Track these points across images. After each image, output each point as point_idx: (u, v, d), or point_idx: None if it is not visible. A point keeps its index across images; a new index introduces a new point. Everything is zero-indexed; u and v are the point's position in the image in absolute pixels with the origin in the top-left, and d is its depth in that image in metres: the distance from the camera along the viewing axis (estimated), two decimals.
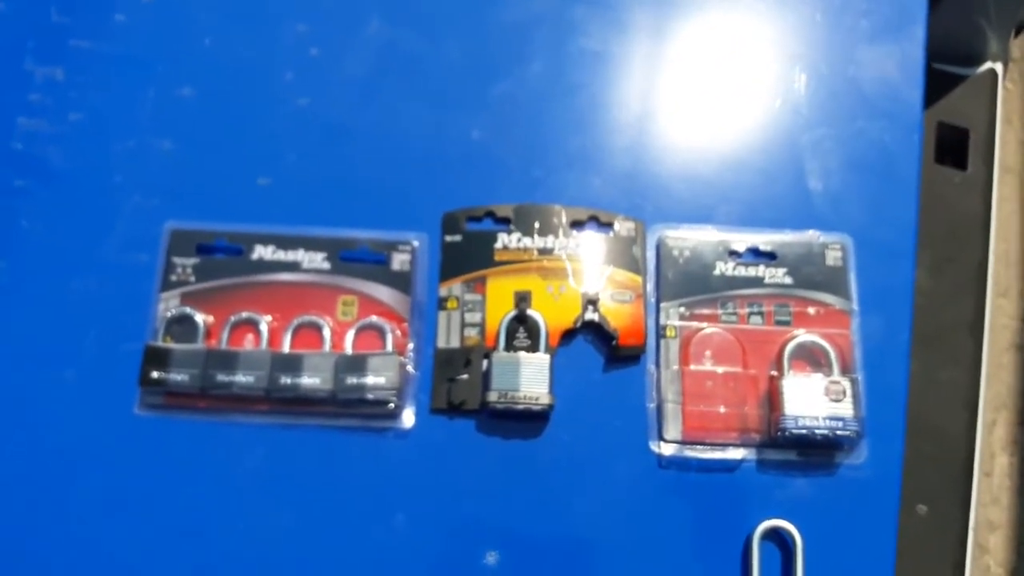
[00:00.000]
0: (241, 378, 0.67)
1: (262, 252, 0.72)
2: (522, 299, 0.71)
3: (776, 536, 0.67)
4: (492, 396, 0.67)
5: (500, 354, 0.69)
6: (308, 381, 0.67)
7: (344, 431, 0.69)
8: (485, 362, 0.69)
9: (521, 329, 0.71)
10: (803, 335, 0.70)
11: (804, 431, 0.66)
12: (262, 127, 0.77)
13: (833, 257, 0.73)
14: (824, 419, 0.66)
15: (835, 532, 0.67)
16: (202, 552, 0.66)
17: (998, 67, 1.05)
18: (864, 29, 0.81)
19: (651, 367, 0.70)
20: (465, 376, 0.70)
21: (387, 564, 0.66)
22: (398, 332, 0.70)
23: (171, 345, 0.69)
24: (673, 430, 0.68)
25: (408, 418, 0.69)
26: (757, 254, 0.73)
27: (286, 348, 0.69)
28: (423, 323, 0.71)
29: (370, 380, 0.67)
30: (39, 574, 0.66)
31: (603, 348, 0.72)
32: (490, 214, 0.74)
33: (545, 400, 0.67)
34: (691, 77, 0.80)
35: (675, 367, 0.70)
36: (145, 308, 0.71)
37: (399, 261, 0.72)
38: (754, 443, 0.68)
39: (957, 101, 1.04)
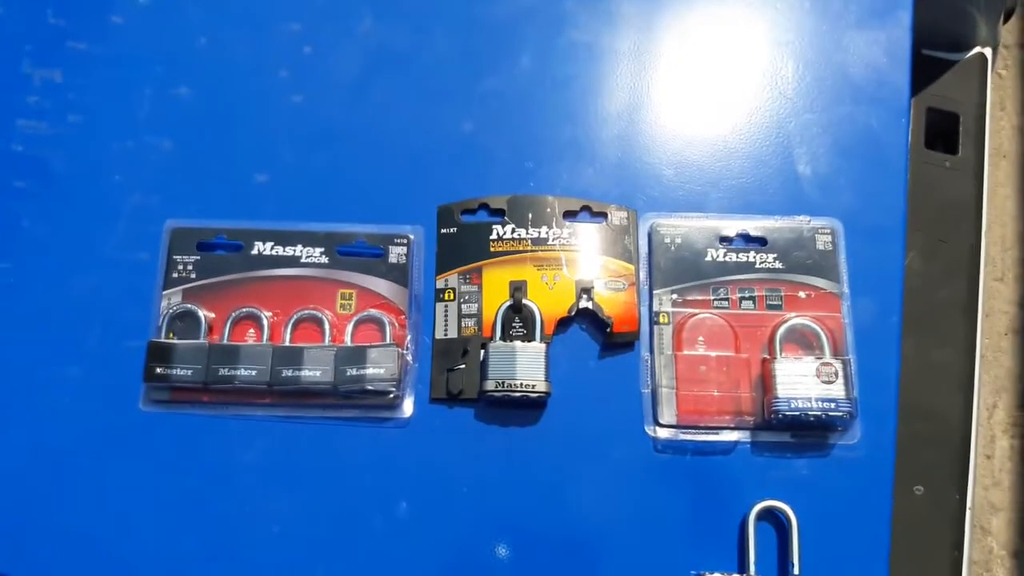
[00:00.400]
0: (243, 372, 0.69)
1: (261, 248, 0.73)
2: (517, 289, 0.72)
3: (771, 516, 0.68)
4: (489, 385, 0.68)
5: (497, 344, 0.70)
6: (309, 373, 0.69)
7: (345, 422, 0.70)
8: (482, 352, 0.70)
9: (517, 319, 0.72)
10: (794, 318, 0.71)
11: (797, 413, 0.67)
12: (258, 125, 0.78)
13: (823, 241, 0.74)
14: (816, 400, 0.67)
15: (830, 511, 0.68)
16: (208, 543, 0.67)
17: (987, 52, 1.06)
18: (851, 15, 0.82)
19: (645, 353, 0.71)
20: (463, 366, 0.71)
21: (389, 552, 0.67)
22: (396, 324, 0.71)
23: (174, 341, 0.70)
24: (668, 414, 0.69)
25: (408, 408, 0.70)
26: (748, 240, 0.74)
27: (287, 342, 0.70)
28: (421, 315, 0.73)
29: (370, 371, 0.68)
30: (46, 568, 0.67)
31: (598, 336, 0.73)
32: (484, 206, 0.75)
33: (541, 388, 0.68)
34: (680, 67, 0.81)
35: (669, 353, 0.71)
36: (147, 305, 0.72)
37: (396, 254, 0.73)
38: (748, 426, 0.69)
39: (947, 86, 1.05)
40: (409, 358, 0.71)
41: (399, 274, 0.73)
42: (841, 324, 0.71)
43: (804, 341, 0.71)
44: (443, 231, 0.75)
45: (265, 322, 0.71)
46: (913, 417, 0.89)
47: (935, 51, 1.05)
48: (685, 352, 0.71)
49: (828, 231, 0.74)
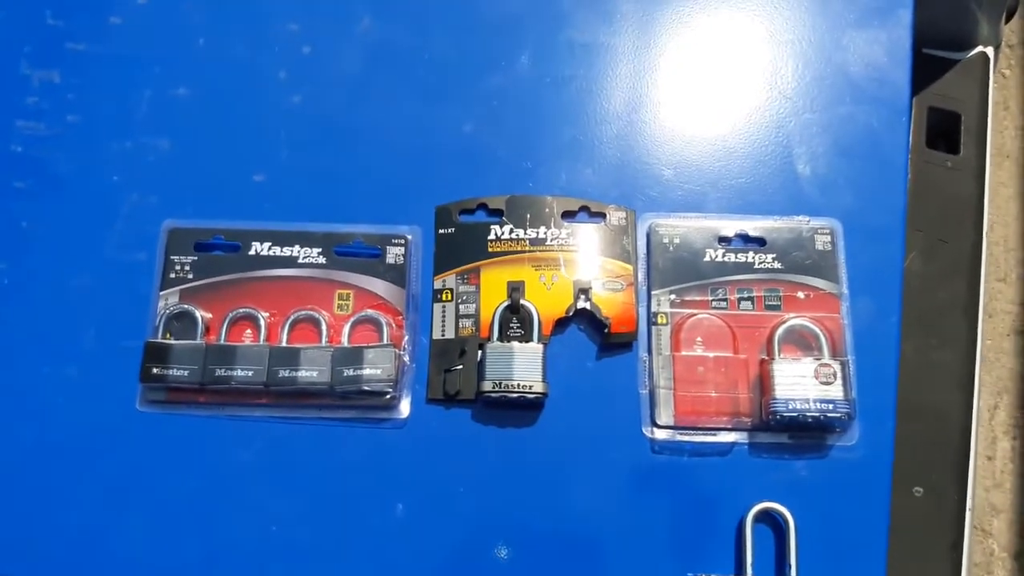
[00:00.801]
0: (240, 372, 0.69)
1: (258, 248, 0.73)
2: (515, 289, 0.72)
3: (769, 518, 0.68)
4: (487, 386, 0.68)
5: (494, 344, 0.70)
6: (306, 374, 0.69)
7: (342, 423, 0.70)
8: (480, 352, 0.70)
9: (514, 319, 0.72)
10: (793, 319, 0.71)
11: (795, 414, 0.67)
12: (256, 125, 0.78)
13: (822, 241, 0.73)
14: (814, 402, 0.67)
15: (828, 513, 0.68)
16: (205, 544, 0.67)
17: (989, 51, 1.05)
18: (851, 14, 0.82)
19: (643, 354, 0.71)
20: (460, 366, 0.71)
21: (386, 552, 0.67)
22: (394, 324, 0.71)
23: (171, 341, 0.70)
24: (665, 415, 0.69)
25: (405, 409, 0.70)
26: (746, 240, 0.74)
27: (284, 342, 0.70)
28: (418, 315, 0.73)
29: (367, 372, 0.68)
30: (44, 569, 0.67)
31: (595, 336, 0.72)
32: (482, 206, 0.75)
33: (539, 388, 0.68)
34: (679, 66, 0.81)
35: (666, 353, 0.71)
36: (144, 305, 0.72)
37: (393, 255, 0.73)
38: (746, 427, 0.69)
39: (948, 86, 1.04)
40: (406, 359, 0.71)
41: (397, 274, 0.73)
42: (840, 325, 0.71)
43: (803, 342, 0.71)
44: (441, 231, 0.75)
45: (262, 322, 0.71)
46: (913, 418, 0.89)
47: (936, 50, 1.04)
48: (683, 353, 0.70)
49: (827, 231, 0.74)
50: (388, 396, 0.69)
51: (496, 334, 0.70)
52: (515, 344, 0.70)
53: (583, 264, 0.73)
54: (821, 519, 0.67)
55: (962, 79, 1.05)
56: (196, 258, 0.73)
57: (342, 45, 0.81)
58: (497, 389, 0.68)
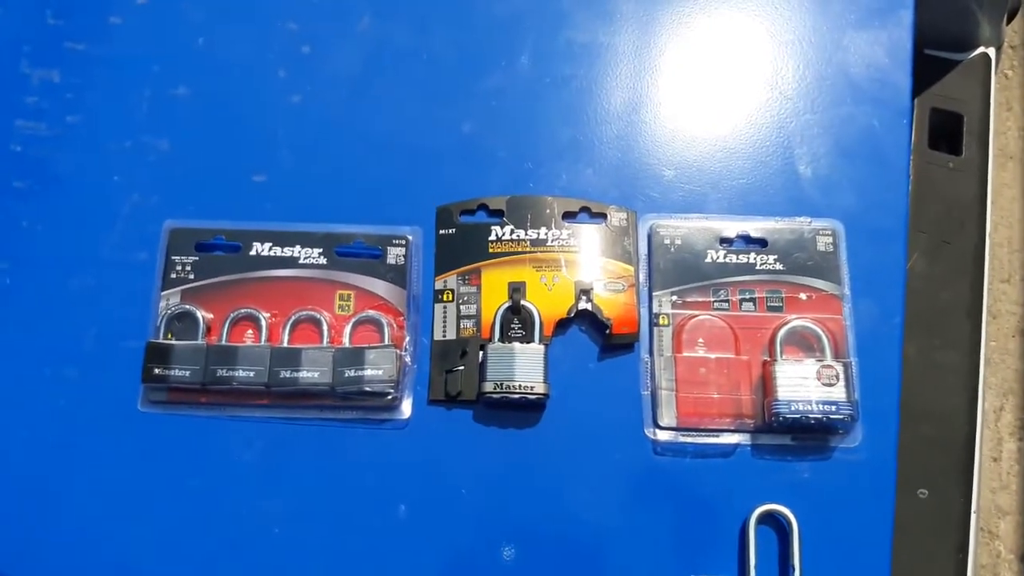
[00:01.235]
0: (241, 373, 0.68)
1: (259, 249, 0.73)
2: (516, 290, 0.72)
3: (772, 520, 0.67)
4: (488, 387, 0.68)
5: (495, 345, 0.70)
6: (307, 375, 0.68)
7: (343, 423, 0.70)
8: (481, 353, 0.70)
9: (516, 320, 0.71)
10: (795, 320, 0.70)
11: (797, 415, 0.66)
12: (256, 125, 0.78)
13: (824, 243, 0.73)
14: (817, 403, 0.67)
15: (831, 515, 0.68)
16: (206, 545, 0.67)
17: (991, 52, 1.05)
18: (852, 14, 0.82)
19: (645, 355, 0.71)
20: (461, 367, 0.71)
21: (388, 553, 0.67)
22: (395, 325, 0.71)
23: (172, 342, 0.70)
24: (667, 417, 0.69)
25: (406, 409, 0.70)
26: (748, 241, 0.74)
27: (285, 343, 0.70)
28: (419, 316, 0.72)
29: (368, 373, 0.68)
30: (44, 569, 0.67)
31: (597, 337, 0.72)
32: (483, 207, 0.75)
33: (540, 390, 0.68)
34: (679, 66, 0.81)
35: (668, 354, 0.70)
36: (146, 306, 0.72)
37: (394, 255, 0.73)
38: (748, 428, 0.69)
39: (950, 87, 1.04)
40: (407, 359, 0.71)
41: (398, 275, 0.73)
42: (842, 326, 0.71)
43: (805, 343, 0.70)
44: (442, 232, 0.75)
45: (263, 323, 0.71)
46: (917, 420, 0.89)
47: (938, 51, 1.04)
48: (685, 354, 0.70)
49: (829, 232, 0.74)
50: (389, 397, 0.69)
51: (497, 335, 0.70)
52: (516, 345, 0.69)
53: (584, 265, 0.73)
54: (825, 521, 0.67)
55: (964, 80, 1.04)
56: (197, 258, 0.73)
57: (342, 45, 0.81)
58: (498, 390, 0.68)
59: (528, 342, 0.70)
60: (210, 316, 0.71)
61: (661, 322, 0.72)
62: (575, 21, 0.82)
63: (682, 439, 0.69)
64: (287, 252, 0.73)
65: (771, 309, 0.72)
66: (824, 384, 0.67)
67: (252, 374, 0.68)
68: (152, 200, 0.75)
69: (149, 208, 0.75)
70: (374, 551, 0.67)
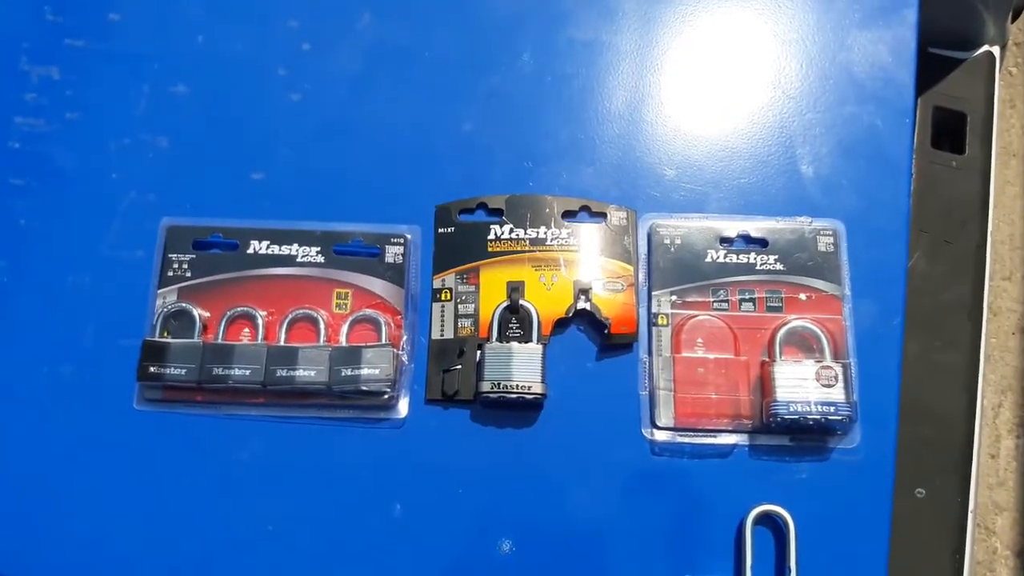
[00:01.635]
0: (238, 371, 0.68)
1: (257, 247, 0.73)
2: (515, 290, 0.72)
3: (769, 521, 0.67)
4: (485, 386, 0.68)
5: (493, 344, 0.69)
6: (304, 373, 0.68)
7: (340, 422, 0.69)
8: (478, 353, 0.70)
9: (514, 319, 0.71)
10: (794, 321, 0.70)
11: (796, 416, 0.66)
12: (255, 123, 0.78)
13: (825, 243, 0.73)
14: (816, 404, 0.66)
15: (828, 516, 0.67)
16: (201, 543, 0.67)
17: (995, 50, 1.04)
18: (855, 13, 0.81)
19: (643, 355, 0.71)
20: (459, 367, 0.70)
21: (384, 553, 0.67)
22: (392, 324, 0.71)
23: (168, 340, 0.69)
24: (665, 417, 0.69)
25: (403, 409, 0.70)
26: (748, 241, 0.73)
27: (282, 341, 0.70)
28: (417, 315, 0.72)
29: (365, 372, 0.68)
30: (41, 568, 0.67)
31: (595, 337, 0.72)
32: (482, 206, 0.75)
33: (538, 389, 0.68)
34: (681, 65, 0.80)
35: (667, 354, 0.70)
36: (142, 304, 0.71)
37: (392, 254, 0.73)
38: (746, 429, 0.69)
39: (954, 85, 1.03)
40: (405, 358, 0.70)
41: (396, 274, 0.72)
42: (842, 327, 0.71)
43: (804, 344, 0.70)
44: (440, 231, 0.74)
45: (260, 321, 0.71)
46: (916, 419, 0.89)
47: (942, 49, 1.04)
48: (684, 354, 0.70)
49: (830, 232, 0.73)
50: (386, 396, 0.68)
51: (495, 334, 0.70)
52: (514, 344, 0.69)
53: (583, 264, 0.73)
54: (822, 522, 0.67)
55: (968, 78, 1.04)
56: (194, 256, 0.73)
57: (342, 43, 0.80)
58: (496, 390, 0.68)
59: (526, 342, 0.70)
60: (207, 314, 0.71)
61: (660, 322, 0.71)
62: (576, 19, 0.81)
63: (680, 439, 0.69)
64: (285, 250, 0.73)
65: (771, 309, 0.71)
66: (823, 385, 0.67)
67: (248, 373, 0.68)
68: (150, 197, 0.75)
69: (147, 205, 0.75)
70: (370, 550, 0.67)
